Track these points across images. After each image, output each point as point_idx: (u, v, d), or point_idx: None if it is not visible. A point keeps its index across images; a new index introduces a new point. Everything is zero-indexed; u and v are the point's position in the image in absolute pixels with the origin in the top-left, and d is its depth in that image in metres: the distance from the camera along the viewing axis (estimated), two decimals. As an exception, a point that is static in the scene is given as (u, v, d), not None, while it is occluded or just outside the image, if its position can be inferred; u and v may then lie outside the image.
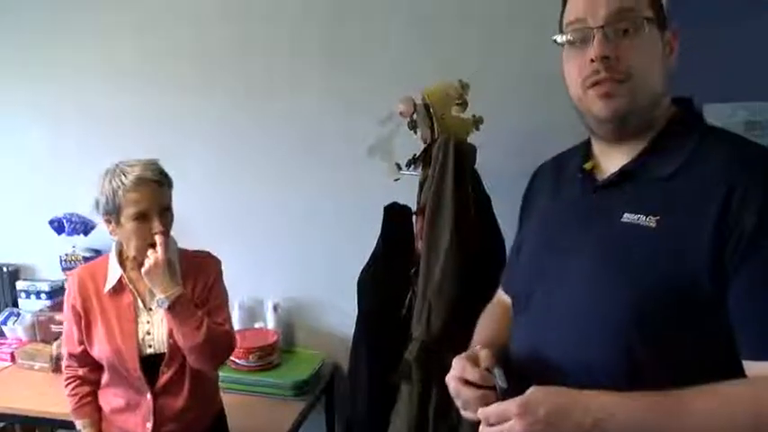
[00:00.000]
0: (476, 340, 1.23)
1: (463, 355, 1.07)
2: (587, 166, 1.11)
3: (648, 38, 1.00)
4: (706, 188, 0.93)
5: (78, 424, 1.81)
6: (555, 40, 1.07)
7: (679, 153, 0.99)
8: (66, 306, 1.81)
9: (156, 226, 1.62)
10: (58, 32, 2.72)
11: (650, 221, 0.95)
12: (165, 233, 1.65)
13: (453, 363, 1.06)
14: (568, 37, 1.04)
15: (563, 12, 1.07)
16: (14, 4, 2.75)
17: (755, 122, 2.00)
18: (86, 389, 1.81)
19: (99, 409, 1.82)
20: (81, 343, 1.77)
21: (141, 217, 1.62)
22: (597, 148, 1.12)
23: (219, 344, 1.70)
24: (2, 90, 2.85)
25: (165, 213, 1.66)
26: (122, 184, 1.61)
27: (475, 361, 1.04)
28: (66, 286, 1.85)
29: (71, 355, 1.81)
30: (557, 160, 1.25)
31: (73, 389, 1.82)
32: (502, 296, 1.32)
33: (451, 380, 1.05)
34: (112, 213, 1.65)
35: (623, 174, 1.03)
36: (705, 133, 1.02)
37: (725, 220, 0.90)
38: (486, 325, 1.28)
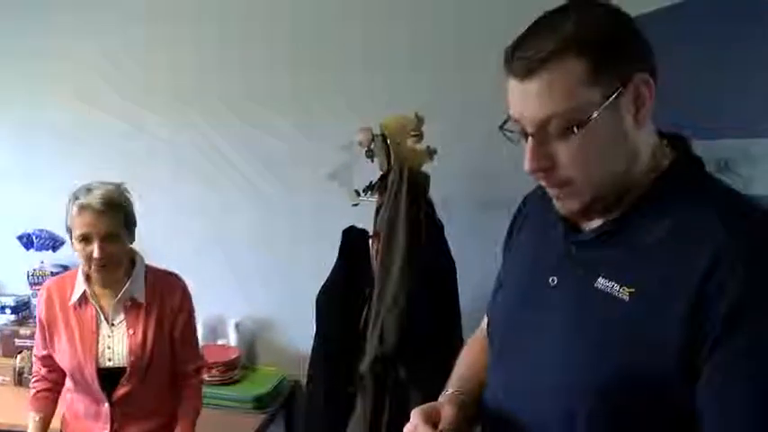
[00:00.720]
0: (453, 377, 1.18)
1: (424, 407, 1.02)
2: None
3: (591, 131, 0.85)
4: (686, 263, 0.82)
5: (31, 415, 1.91)
6: (500, 127, 0.96)
7: (665, 215, 0.88)
8: (36, 313, 1.94)
9: (96, 251, 1.72)
10: (30, 50, 2.78)
11: (623, 293, 0.86)
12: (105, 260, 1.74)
13: (411, 415, 1.01)
14: (511, 128, 0.94)
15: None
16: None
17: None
18: (46, 385, 1.93)
19: (53, 406, 1.93)
20: (44, 348, 1.89)
21: (84, 240, 1.74)
22: None
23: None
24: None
25: (108, 239, 1.74)
26: (71, 208, 1.74)
27: (434, 415, 1.00)
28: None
29: (37, 357, 1.95)
30: (543, 191, 1.10)
31: (34, 382, 1.95)
32: (485, 326, 1.24)
33: None
34: (69, 233, 1.78)
35: (601, 235, 0.93)
36: (699, 192, 0.90)
37: (699, 304, 0.80)
38: (466, 362, 1.22)
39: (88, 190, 1.75)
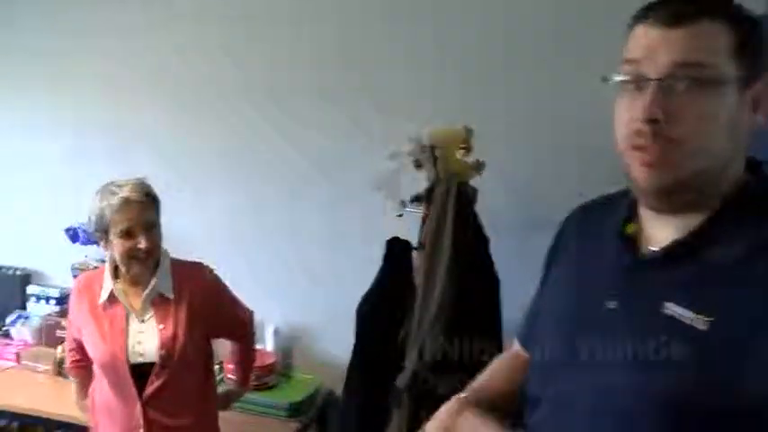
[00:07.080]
0: (471, 384, 1.16)
1: (436, 425, 1.04)
2: (629, 230, 0.93)
3: (718, 99, 0.81)
4: None
5: (72, 380, 2.06)
6: (605, 79, 0.89)
7: (744, 237, 0.81)
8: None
9: (142, 241, 1.74)
10: (78, 49, 2.86)
11: (699, 322, 0.78)
12: (151, 250, 1.77)
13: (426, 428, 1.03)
14: (622, 77, 0.87)
15: (626, 43, 0.89)
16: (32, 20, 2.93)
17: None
18: (78, 356, 1.98)
19: (89, 374, 1.96)
20: (74, 336, 1.95)
21: (127, 234, 1.74)
22: (643, 211, 0.92)
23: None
24: (25, 100, 3.00)
25: (151, 230, 1.77)
26: (109, 204, 1.74)
27: None
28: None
29: (67, 341, 2.05)
30: (589, 210, 1.07)
31: (69, 351, 2.03)
32: (519, 350, 1.17)
33: None
34: (102, 231, 1.78)
35: (671, 253, 0.85)
36: None
37: None
38: (488, 373, 1.19)
39: (119, 186, 1.76)
